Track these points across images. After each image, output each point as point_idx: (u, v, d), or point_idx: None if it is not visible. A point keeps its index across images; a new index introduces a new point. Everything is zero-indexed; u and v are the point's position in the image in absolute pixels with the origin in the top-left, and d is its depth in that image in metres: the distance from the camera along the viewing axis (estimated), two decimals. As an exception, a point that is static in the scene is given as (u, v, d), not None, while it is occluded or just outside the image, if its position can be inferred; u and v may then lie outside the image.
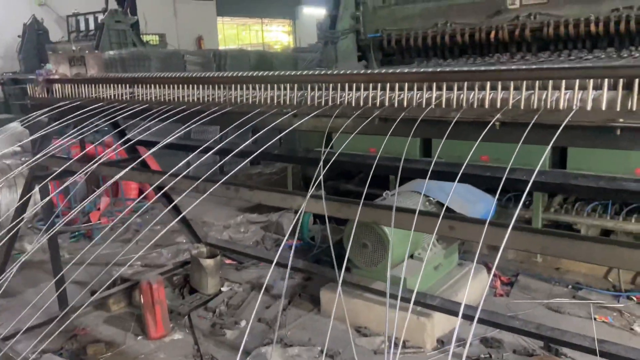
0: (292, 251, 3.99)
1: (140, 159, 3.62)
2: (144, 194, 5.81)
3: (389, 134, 1.55)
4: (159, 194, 3.95)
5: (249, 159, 2.36)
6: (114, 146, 4.13)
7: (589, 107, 1.28)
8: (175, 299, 3.89)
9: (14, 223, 3.29)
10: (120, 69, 6.96)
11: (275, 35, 27.12)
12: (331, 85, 1.80)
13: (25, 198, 3.21)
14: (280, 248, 4.60)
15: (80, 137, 3.09)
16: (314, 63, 6.10)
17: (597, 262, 1.51)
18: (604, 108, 1.26)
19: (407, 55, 5.88)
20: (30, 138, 3.04)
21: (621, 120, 1.21)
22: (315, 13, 24.45)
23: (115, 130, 3.41)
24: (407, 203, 3.45)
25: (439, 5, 5.52)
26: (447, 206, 3.35)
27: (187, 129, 2.24)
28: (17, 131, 7.02)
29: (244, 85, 2.09)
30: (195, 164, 2.37)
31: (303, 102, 1.89)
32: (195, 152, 2.75)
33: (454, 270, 3.62)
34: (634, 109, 1.22)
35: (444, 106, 1.53)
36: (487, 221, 1.45)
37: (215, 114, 2.02)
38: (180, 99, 2.29)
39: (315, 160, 2.29)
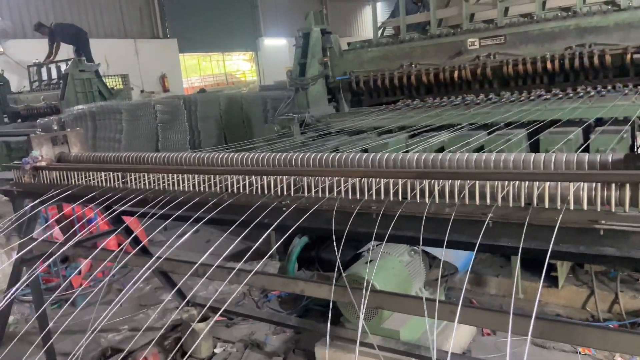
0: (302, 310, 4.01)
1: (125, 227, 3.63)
2: (122, 246, 5.74)
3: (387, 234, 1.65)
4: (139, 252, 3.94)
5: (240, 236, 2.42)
6: (97, 219, 4.11)
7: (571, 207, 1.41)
8: (169, 366, 3.86)
9: (5, 305, 3.25)
10: (90, 124, 6.92)
11: (236, 64, 27.32)
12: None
13: (15, 285, 3.15)
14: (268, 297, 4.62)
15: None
16: (287, 108, 6.21)
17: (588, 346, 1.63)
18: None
19: (375, 95, 6.10)
20: (16, 223, 3.01)
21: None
22: (276, 44, 24.81)
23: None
24: (392, 254, 3.56)
25: (402, 47, 5.77)
26: (429, 254, 3.48)
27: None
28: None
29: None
30: (185, 237, 2.43)
31: (300, 190, 1.98)
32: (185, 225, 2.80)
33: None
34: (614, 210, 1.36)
35: (437, 200, 1.64)
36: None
37: (213, 210, 2.08)
38: (176, 185, 2.34)
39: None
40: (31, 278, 2.85)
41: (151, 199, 2.33)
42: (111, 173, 2.54)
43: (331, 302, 1.85)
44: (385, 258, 3.47)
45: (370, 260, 3.43)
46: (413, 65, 5.59)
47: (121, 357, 3.82)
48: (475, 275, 4.45)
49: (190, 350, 3.87)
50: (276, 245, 4.88)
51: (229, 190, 2.19)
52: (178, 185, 2.34)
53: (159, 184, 2.41)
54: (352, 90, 6.15)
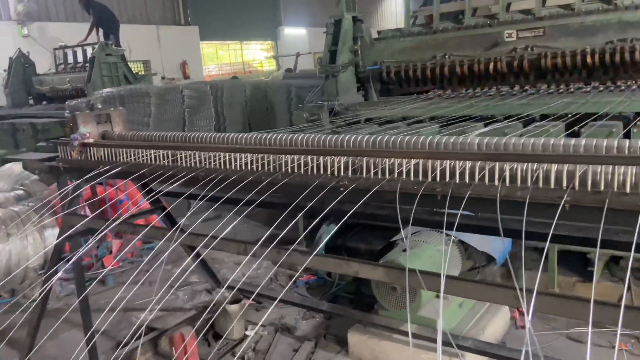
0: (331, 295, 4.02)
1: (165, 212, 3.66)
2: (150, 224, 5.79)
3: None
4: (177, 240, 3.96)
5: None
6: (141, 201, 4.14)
7: None
8: (201, 346, 3.89)
9: (47, 285, 3.30)
10: (119, 106, 6.96)
11: (253, 53, 27.33)
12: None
13: (56, 261, 3.20)
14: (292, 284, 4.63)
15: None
16: (316, 96, 6.19)
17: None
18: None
19: (405, 85, 6.05)
20: (60, 201, 3.04)
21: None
22: (296, 33, 24.73)
23: (140, 183, 3.43)
24: (429, 242, 3.54)
25: (435, 37, 5.70)
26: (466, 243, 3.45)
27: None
28: (14, 172, 6.95)
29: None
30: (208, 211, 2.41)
31: (358, 172, 1.97)
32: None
33: (477, 305, 3.71)
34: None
35: (507, 183, 1.62)
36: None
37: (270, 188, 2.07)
38: (227, 165, 2.34)
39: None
40: (84, 249, 2.87)
41: (202, 177, 2.34)
42: (161, 151, 2.54)
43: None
44: (422, 247, 3.45)
45: (407, 249, 3.42)
46: (447, 57, 5.52)
47: (156, 335, 3.86)
48: (506, 269, 4.41)
49: (224, 332, 3.90)
50: (306, 231, 4.88)
51: (282, 170, 2.18)
52: (230, 164, 2.34)
53: (209, 162, 2.41)
54: (381, 80, 6.11)
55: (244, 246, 2.36)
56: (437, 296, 3.49)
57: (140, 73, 12.22)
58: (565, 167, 1.53)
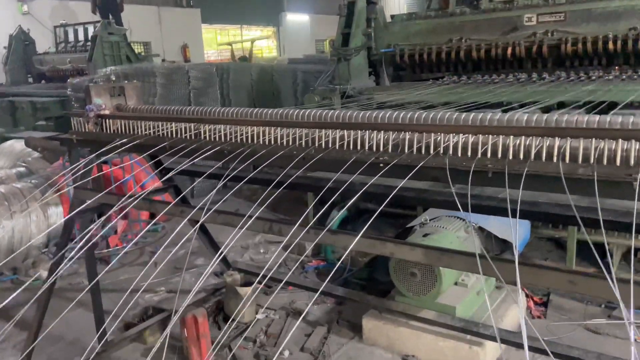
0: (329, 277, 3.92)
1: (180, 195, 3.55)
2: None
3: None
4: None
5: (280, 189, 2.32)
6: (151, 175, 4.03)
7: None
8: (211, 329, 3.80)
9: (59, 255, 3.18)
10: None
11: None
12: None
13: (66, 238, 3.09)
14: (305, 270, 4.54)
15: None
16: (327, 79, 6.06)
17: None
18: None
19: (418, 70, 5.92)
20: (72, 175, 2.91)
21: None
22: (299, 19, 24.45)
23: (153, 161, 3.31)
24: (449, 228, 3.45)
25: (452, 20, 5.57)
26: (486, 231, 3.36)
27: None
28: (15, 150, 6.81)
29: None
30: (231, 192, 2.29)
31: (400, 147, 1.86)
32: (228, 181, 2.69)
33: (494, 293, 3.64)
34: None
35: (567, 161, 1.52)
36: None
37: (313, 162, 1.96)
38: (255, 139, 2.23)
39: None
40: (105, 229, 2.76)
41: (228, 152, 2.22)
42: (183, 124, 2.43)
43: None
44: (441, 233, 3.37)
45: (427, 234, 3.33)
46: (463, 40, 5.40)
47: (165, 316, 3.77)
48: (522, 259, 4.33)
49: (235, 315, 3.81)
50: (317, 216, 4.78)
51: (315, 145, 2.07)
52: (257, 139, 2.23)
53: (235, 137, 2.30)
54: (394, 64, 5.98)
55: (270, 224, 2.25)
56: (456, 283, 3.42)
57: (141, 54, 12.03)
58: (634, 144, 1.43)
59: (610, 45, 4.56)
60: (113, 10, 11.49)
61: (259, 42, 26.27)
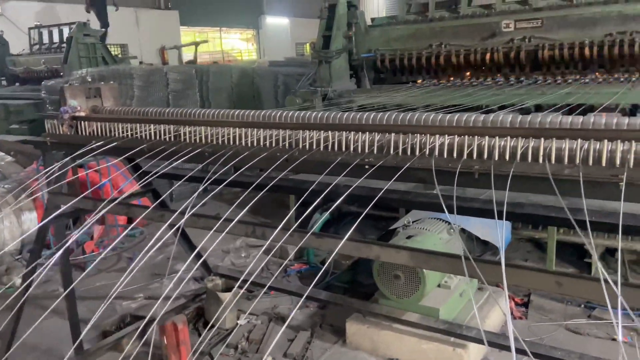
0: (313, 282, 3.88)
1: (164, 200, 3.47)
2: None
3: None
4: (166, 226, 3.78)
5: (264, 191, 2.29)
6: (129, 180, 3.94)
7: None
8: (191, 335, 3.72)
9: (33, 262, 3.07)
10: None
11: (232, 43, 26.82)
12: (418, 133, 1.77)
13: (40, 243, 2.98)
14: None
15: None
16: (308, 82, 6.05)
17: None
18: None
19: (398, 74, 5.95)
20: (46, 179, 2.82)
21: None
22: (278, 22, 24.41)
23: (130, 165, 3.24)
24: (432, 230, 3.46)
25: (432, 26, 5.61)
26: (469, 233, 3.37)
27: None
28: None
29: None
30: (211, 194, 2.22)
31: (385, 149, 1.85)
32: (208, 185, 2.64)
33: (477, 295, 3.65)
34: None
35: (553, 162, 1.52)
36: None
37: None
38: (237, 140, 2.19)
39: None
40: (79, 232, 2.68)
41: (209, 154, 2.18)
42: (162, 126, 2.37)
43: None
44: (424, 234, 3.36)
45: (410, 236, 3.32)
46: (443, 46, 5.44)
47: (144, 323, 3.67)
48: (504, 260, 4.36)
49: (216, 321, 3.74)
50: (299, 220, 4.74)
51: (299, 146, 2.04)
52: (239, 141, 2.19)
53: (215, 139, 2.25)
54: (375, 68, 6.00)
55: (252, 227, 2.21)
56: (440, 285, 3.41)
57: (118, 56, 11.84)
58: (619, 145, 1.43)
59: (587, 51, 4.65)
60: (100, 9, 11.19)
61: (237, 44, 26.06)
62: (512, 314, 3.87)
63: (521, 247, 4.64)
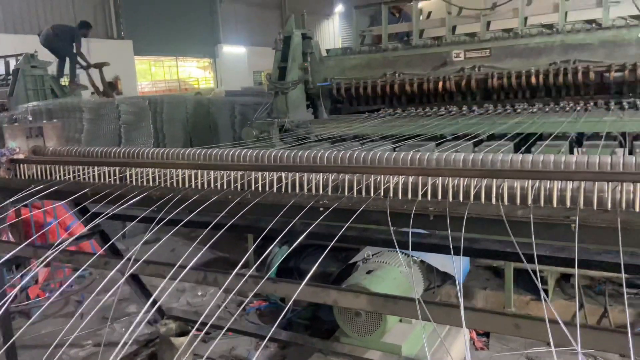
0: (275, 324, 3.76)
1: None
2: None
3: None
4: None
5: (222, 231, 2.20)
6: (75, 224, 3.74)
7: None
8: (144, 385, 3.52)
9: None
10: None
11: (189, 71, 26.64)
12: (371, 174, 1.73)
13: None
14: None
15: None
16: (265, 113, 6.01)
17: None
18: None
19: (355, 103, 6.00)
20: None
21: None
22: (235, 51, 24.48)
23: (77, 208, 3.06)
24: (392, 263, 3.42)
25: (386, 55, 5.71)
26: (428, 264, 3.36)
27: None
28: None
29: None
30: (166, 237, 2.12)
31: (340, 189, 1.80)
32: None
33: (438, 327, 3.60)
34: None
35: (506, 201, 1.51)
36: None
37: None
38: (187, 182, 2.09)
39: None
40: (24, 280, 2.48)
41: (157, 198, 2.07)
42: (106, 168, 2.25)
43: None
44: (385, 268, 3.32)
45: (370, 271, 3.27)
46: (397, 75, 5.53)
47: (92, 375, 3.44)
48: (464, 290, 4.37)
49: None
50: (257, 262, 4.63)
51: (251, 188, 1.97)
52: (189, 183, 2.09)
53: (164, 181, 2.15)
54: (332, 97, 6.03)
55: (204, 274, 2.11)
56: (401, 320, 3.36)
57: (67, 87, 11.47)
58: (569, 184, 1.43)
59: (533, 79, 4.81)
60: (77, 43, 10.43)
61: (194, 72, 25.83)
62: (473, 344, 3.86)
63: (480, 274, 4.66)
